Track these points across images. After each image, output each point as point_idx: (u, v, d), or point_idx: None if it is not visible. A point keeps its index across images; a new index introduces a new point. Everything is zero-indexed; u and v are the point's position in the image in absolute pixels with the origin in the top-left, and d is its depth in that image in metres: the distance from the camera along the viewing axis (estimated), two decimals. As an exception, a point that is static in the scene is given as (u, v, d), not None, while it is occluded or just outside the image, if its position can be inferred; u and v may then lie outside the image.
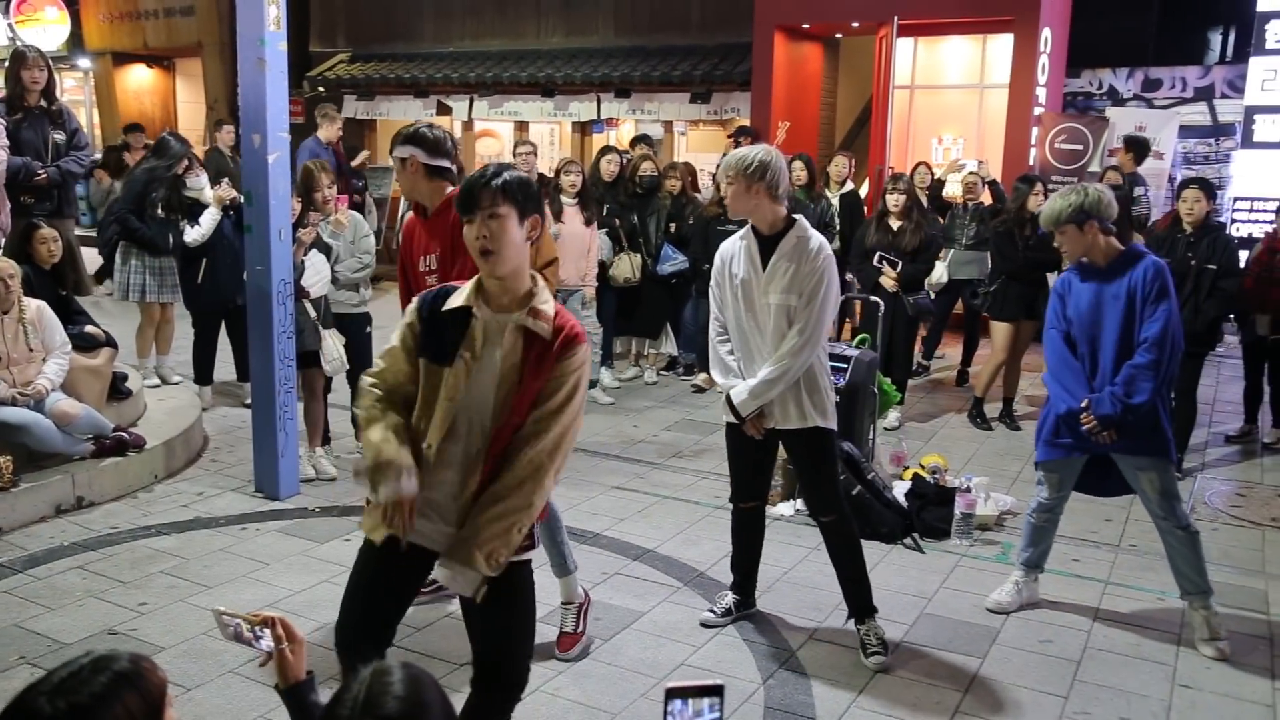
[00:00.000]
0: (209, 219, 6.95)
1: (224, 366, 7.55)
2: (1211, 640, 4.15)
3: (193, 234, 6.96)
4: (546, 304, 2.71)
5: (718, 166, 8.00)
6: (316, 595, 4.46)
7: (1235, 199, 10.03)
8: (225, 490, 5.71)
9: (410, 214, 4.20)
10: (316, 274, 5.72)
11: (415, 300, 2.80)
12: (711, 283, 4.17)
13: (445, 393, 2.66)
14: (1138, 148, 9.30)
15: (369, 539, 2.79)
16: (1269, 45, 9.78)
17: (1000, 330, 7.28)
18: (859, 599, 4.13)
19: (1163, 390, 4.08)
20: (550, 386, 2.66)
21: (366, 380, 2.78)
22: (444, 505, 2.71)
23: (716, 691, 1.70)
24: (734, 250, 4.08)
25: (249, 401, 6.14)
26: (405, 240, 4.16)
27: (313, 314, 5.74)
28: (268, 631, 2.12)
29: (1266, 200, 9.34)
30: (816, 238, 3.97)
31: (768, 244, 3.96)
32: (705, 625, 4.27)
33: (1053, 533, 4.55)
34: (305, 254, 5.66)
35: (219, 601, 4.33)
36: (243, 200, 5.57)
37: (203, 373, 7.39)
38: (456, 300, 2.70)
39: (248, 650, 2.14)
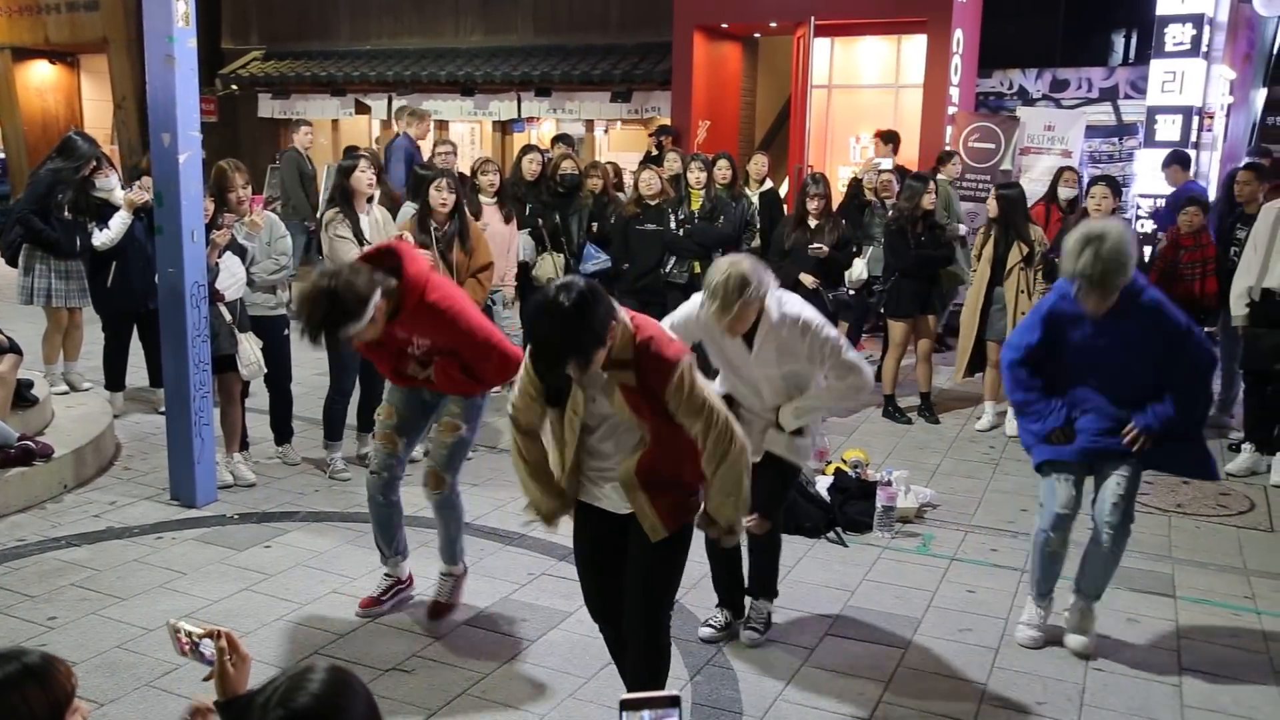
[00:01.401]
0: (119, 222, 6.76)
1: (136, 372, 7.35)
2: (1082, 633, 4.15)
3: (101, 237, 6.77)
4: (624, 349, 2.89)
5: (639, 172, 8.03)
6: (236, 604, 4.38)
7: (1139, 196, 10.34)
8: (139, 499, 5.56)
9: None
10: (231, 276, 5.61)
11: (527, 357, 3.09)
12: (670, 326, 3.70)
13: (566, 436, 3.07)
14: (895, 139, 9.56)
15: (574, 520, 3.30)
16: (1168, 48, 10.10)
17: (896, 328, 7.44)
18: (763, 584, 4.24)
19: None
20: (672, 406, 2.93)
21: (510, 414, 3.21)
22: (608, 477, 3.13)
23: (673, 702, 1.68)
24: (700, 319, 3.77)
25: (163, 408, 5.99)
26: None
27: (228, 317, 5.63)
28: (209, 641, 2.09)
29: (1168, 198, 9.64)
30: (777, 308, 3.70)
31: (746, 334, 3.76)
32: (706, 641, 4.15)
33: (1063, 560, 4.23)
34: (219, 256, 5.54)
35: (134, 613, 4.22)
36: (153, 201, 5.44)
37: (114, 378, 7.18)
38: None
39: (163, 663, 2.10)
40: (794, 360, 3.79)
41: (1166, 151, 9.61)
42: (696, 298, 3.80)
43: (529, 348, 3.02)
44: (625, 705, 1.66)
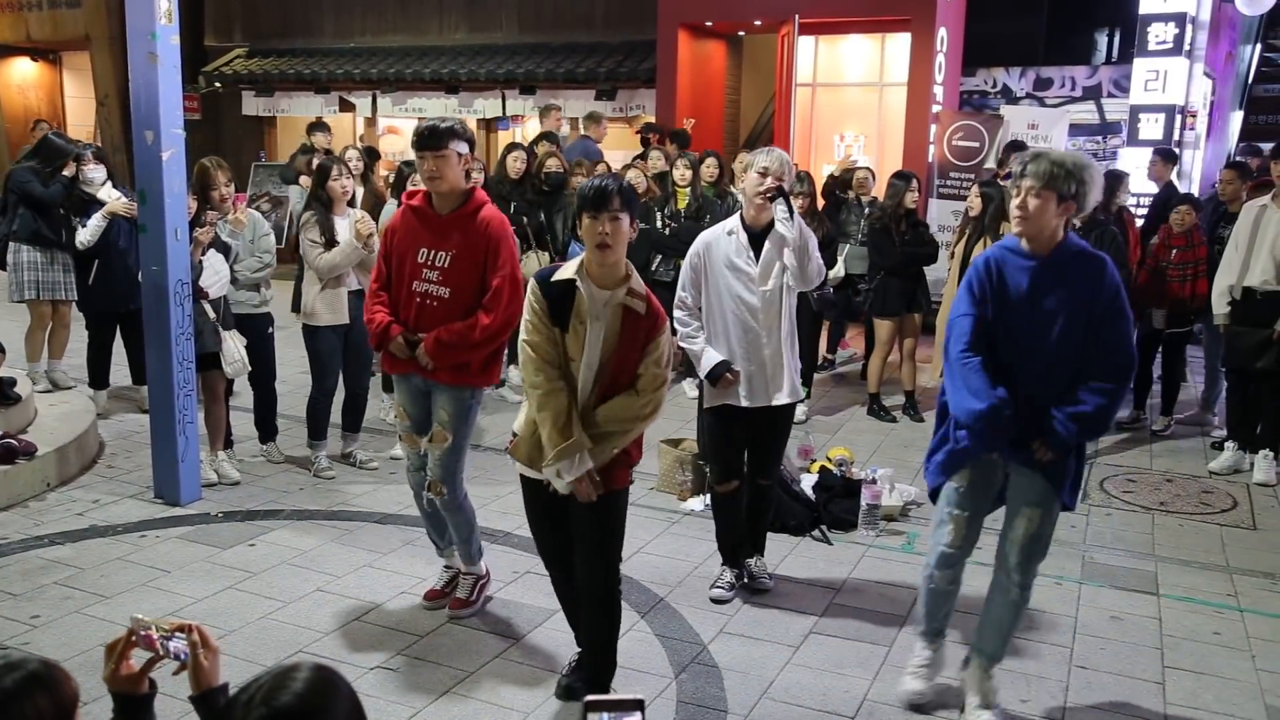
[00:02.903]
0: (95, 224, 6.71)
1: (120, 370, 7.31)
2: (987, 706, 3.60)
3: (80, 236, 6.73)
4: (640, 285, 3.37)
5: (625, 170, 8.03)
6: (220, 603, 4.36)
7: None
8: (123, 497, 5.54)
9: (400, 209, 4.25)
10: (215, 274, 5.59)
11: (532, 280, 3.44)
12: (687, 268, 4.46)
13: (571, 354, 3.36)
14: (683, 138, 9.72)
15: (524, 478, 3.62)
16: (1151, 47, 10.16)
17: (883, 326, 7.46)
18: (761, 541, 4.73)
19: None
20: (648, 354, 3.35)
21: (526, 350, 3.42)
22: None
23: (637, 706, 1.68)
24: (719, 243, 4.40)
25: (147, 406, 5.95)
26: (396, 233, 4.18)
27: (212, 315, 5.60)
28: (181, 636, 2.07)
29: (1152, 196, 9.71)
30: (785, 219, 4.36)
31: (757, 237, 4.38)
32: (718, 601, 4.49)
33: (955, 597, 3.77)
34: (203, 254, 5.52)
35: (117, 612, 4.20)
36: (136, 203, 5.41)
37: (98, 377, 7.14)
38: (564, 274, 3.36)
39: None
40: (787, 268, 4.38)
41: (1151, 150, 9.67)
42: (699, 242, 4.47)
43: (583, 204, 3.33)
44: (589, 706, 1.66)
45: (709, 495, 4.90)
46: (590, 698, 1.68)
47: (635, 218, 3.36)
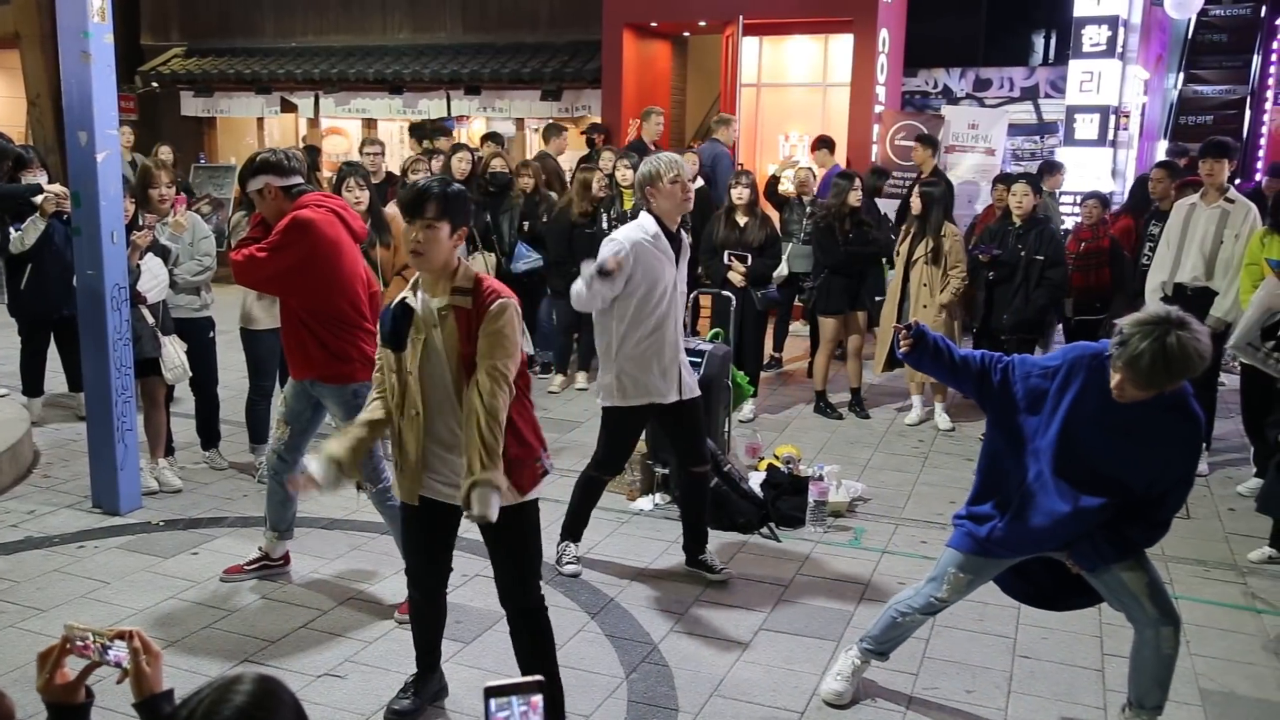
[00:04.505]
0: (36, 226, 6.53)
1: (55, 377, 7.15)
2: None
3: (15, 240, 6.56)
4: (466, 279, 3.13)
5: (584, 173, 8.02)
6: (162, 612, 4.29)
7: (1060, 192, 10.59)
8: (59, 507, 5.42)
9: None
10: (153, 278, 5.49)
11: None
12: (629, 253, 4.41)
13: (409, 367, 3.16)
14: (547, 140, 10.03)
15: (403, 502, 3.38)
16: (1085, 49, 10.37)
17: (827, 325, 7.53)
18: (703, 536, 4.80)
19: None
20: (481, 345, 3.06)
21: (374, 392, 3.34)
22: (443, 467, 3.22)
23: (538, 687, 1.68)
24: (644, 245, 4.46)
25: (84, 414, 5.83)
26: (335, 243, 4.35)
27: (150, 320, 5.50)
28: (121, 643, 2.02)
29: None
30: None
31: (673, 238, 4.58)
32: (572, 576, 4.69)
33: (914, 630, 3.79)
34: (141, 258, 5.42)
35: (54, 625, 4.11)
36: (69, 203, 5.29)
37: (32, 384, 6.98)
38: (399, 296, 3.21)
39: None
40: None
41: (1087, 150, 9.87)
42: (627, 243, 4.45)
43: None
44: (491, 692, 1.65)
45: (582, 474, 4.85)
46: (490, 684, 1.66)
47: (463, 225, 3.16)
